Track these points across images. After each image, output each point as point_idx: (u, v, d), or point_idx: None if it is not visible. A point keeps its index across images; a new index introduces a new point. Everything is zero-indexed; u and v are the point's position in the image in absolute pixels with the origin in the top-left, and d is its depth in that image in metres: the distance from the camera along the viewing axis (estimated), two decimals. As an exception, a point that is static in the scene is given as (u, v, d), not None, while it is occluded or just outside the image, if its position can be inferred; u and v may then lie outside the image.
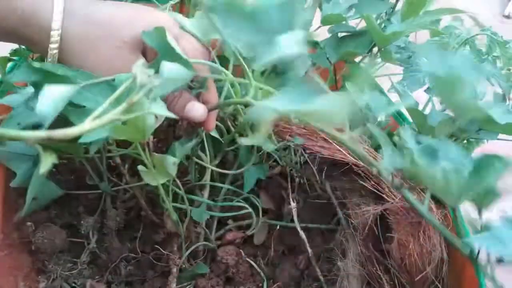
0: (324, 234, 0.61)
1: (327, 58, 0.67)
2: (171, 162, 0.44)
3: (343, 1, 0.69)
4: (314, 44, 0.72)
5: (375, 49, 0.70)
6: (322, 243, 0.60)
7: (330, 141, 0.54)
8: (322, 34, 0.72)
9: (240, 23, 0.31)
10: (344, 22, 0.66)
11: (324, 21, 0.64)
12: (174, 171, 0.45)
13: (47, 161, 0.28)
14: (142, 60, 0.29)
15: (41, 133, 0.23)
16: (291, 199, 0.59)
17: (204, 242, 0.57)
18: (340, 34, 0.70)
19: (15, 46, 0.54)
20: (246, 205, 0.58)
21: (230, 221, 0.61)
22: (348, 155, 0.53)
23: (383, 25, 0.70)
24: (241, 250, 0.59)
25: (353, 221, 0.54)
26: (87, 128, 0.24)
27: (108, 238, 0.59)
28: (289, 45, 0.29)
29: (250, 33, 0.31)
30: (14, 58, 0.56)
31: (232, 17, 0.31)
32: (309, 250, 0.56)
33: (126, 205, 0.60)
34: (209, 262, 0.58)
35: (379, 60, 0.71)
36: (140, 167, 0.44)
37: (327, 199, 0.59)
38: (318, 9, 0.67)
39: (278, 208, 0.63)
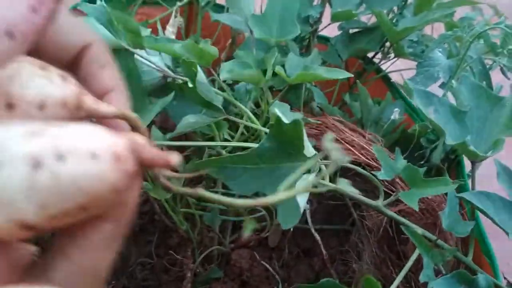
0: (339, 235, 0.60)
1: (339, 55, 0.66)
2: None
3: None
4: (325, 41, 0.71)
5: (387, 44, 0.69)
6: (337, 244, 0.59)
7: (342, 141, 0.54)
8: (332, 30, 0.71)
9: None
10: (355, 18, 0.65)
11: (335, 18, 0.63)
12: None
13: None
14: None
15: (250, 202, 0.22)
16: (304, 200, 0.58)
17: (218, 246, 0.57)
18: (351, 30, 0.69)
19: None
20: (260, 208, 0.58)
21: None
22: (360, 156, 0.52)
23: (395, 19, 0.69)
24: (255, 253, 0.58)
25: (367, 223, 0.53)
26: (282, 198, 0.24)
27: (124, 242, 0.59)
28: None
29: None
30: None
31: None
32: (324, 252, 0.56)
33: (140, 209, 0.60)
34: (223, 266, 0.58)
35: (391, 55, 0.70)
36: (144, 184, 0.44)
37: (341, 200, 0.58)
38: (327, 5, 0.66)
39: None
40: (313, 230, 0.56)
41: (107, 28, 0.43)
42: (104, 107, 0.24)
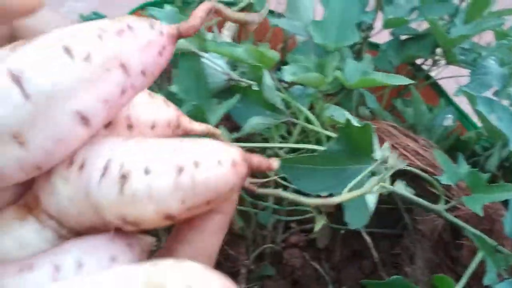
0: (390, 239, 0.61)
1: (389, 61, 0.66)
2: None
3: (404, 3, 0.68)
4: (374, 47, 0.72)
5: (438, 51, 0.69)
6: (388, 248, 0.60)
7: (397, 147, 0.54)
8: (380, 36, 0.72)
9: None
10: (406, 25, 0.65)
11: (387, 25, 0.64)
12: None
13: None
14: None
15: (318, 200, 0.28)
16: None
17: (270, 245, 0.58)
18: (402, 37, 0.70)
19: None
20: (310, 209, 0.59)
21: (293, 224, 0.62)
22: (415, 161, 0.53)
23: (446, 26, 0.69)
24: (305, 254, 0.60)
25: (420, 227, 0.53)
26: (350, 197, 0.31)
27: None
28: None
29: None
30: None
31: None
32: (375, 254, 0.57)
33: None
34: (275, 264, 0.59)
35: (442, 62, 0.70)
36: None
37: (392, 204, 0.59)
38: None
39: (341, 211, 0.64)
40: (364, 233, 0.57)
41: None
42: (196, 126, 0.30)
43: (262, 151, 0.52)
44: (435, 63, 0.70)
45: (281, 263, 0.58)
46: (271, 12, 0.72)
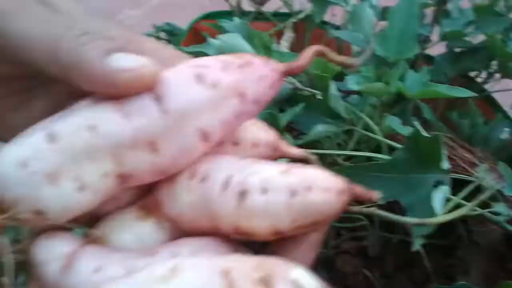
0: (442, 249, 0.61)
1: (444, 73, 0.67)
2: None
3: (458, 15, 0.69)
4: (428, 59, 0.72)
5: (493, 64, 0.69)
6: (440, 258, 0.60)
7: (454, 158, 0.55)
8: (435, 48, 0.72)
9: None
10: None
11: (444, 37, 0.65)
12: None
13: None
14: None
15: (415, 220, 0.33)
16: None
17: (323, 250, 0.59)
18: (457, 49, 0.70)
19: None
20: (362, 217, 0.60)
21: (344, 231, 0.64)
22: (473, 172, 0.54)
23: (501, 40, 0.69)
24: (356, 261, 0.61)
25: (476, 238, 0.54)
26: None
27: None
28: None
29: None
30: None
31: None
32: (427, 264, 0.57)
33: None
34: (327, 270, 0.60)
35: (497, 75, 0.70)
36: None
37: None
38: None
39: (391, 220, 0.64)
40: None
41: (248, 42, 0.47)
42: (294, 150, 0.33)
43: (321, 157, 0.54)
44: (490, 76, 0.70)
45: (333, 269, 0.59)
46: (325, 23, 0.74)
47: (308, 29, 0.71)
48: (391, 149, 0.52)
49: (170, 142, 0.26)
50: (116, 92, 0.25)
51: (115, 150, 0.25)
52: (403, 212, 0.60)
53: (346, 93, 0.58)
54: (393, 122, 0.57)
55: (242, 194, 0.26)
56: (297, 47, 0.78)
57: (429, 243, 0.61)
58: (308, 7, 0.74)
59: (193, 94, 0.26)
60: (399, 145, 0.48)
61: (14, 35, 0.25)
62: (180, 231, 0.28)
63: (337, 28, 0.67)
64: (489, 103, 0.71)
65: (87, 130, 0.25)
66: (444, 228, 0.61)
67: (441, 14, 0.68)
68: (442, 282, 0.58)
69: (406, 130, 0.55)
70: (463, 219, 0.57)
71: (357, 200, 0.29)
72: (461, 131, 0.63)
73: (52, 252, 0.26)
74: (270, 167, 0.27)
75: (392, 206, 0.61)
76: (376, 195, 0.27)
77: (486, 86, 0.72)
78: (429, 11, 0.69)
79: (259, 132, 0.32)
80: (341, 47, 0.72)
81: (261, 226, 0.26)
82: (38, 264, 0.26)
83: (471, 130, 0.60)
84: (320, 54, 0.29)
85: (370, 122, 0.49)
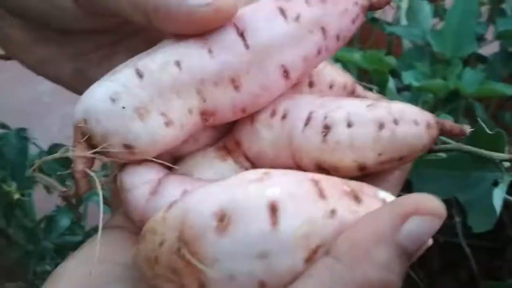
0: (491, 251, 0.60)
1: (498, 73, 0.66)
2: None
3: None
4: (481, 58, 0.71)
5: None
6: (486, 260, 0.60)
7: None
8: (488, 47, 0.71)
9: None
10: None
11: (498, 37, 0.64)
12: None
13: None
14: None
15: None
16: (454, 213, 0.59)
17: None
18: (510, 49, 0.69)
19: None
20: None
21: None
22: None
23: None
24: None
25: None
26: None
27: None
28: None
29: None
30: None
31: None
32: (474, 266, 0.56)
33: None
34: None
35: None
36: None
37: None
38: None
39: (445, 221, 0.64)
40: (463, 244, 0.57)
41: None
42: (370, 94, 0.33)
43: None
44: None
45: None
46: (375, 20, 0.74)
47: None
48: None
49: (252, 79, 0.26)
50: (196, 29, 0.26)
51: (199, 86, 0.26)
52: (460, 211, 0.59)
53: (399, 90, 0.58)
54: (447, 119, 0.56)
55: (327, 128, 0.26)
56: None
57: (475, 244, 0.61)
58: None
59: (276, 28, 0.26)
60: (453, 141, 0.47)
61: None
62: None
63: (389, 24, 0.66)
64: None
65: (173, 66, 0.25)
66: (493, 229, 0.61)
67: (496, 12, 0.67)
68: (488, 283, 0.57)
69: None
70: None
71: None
72: (513, 132, 0.62)
73: (141, 178, 0.26)
74: (354, 101, 0.27)
75: (448, 206, 0.61)
76: (467, 128, 0.27)
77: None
78: (485, 10, 0.68)
79: (335, 74, 0.31)
80: (391, 43, 0.72)
81: (345, 161, 0.25)
82: (127, 189, 0.26)
83: (525, 131, 0.59)
84: None
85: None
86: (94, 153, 0.25)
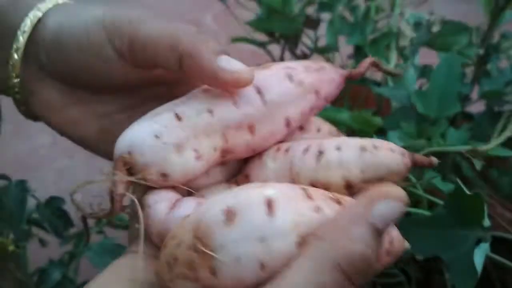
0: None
1: (484, 132, 0.68)
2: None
3: (498, 75, 0.71)
4: (468, 117, 0.73)
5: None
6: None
7: (494, 216, 0.55)
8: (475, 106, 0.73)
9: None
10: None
11: (483, 96, 0.66)
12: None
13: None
14: None
15: None
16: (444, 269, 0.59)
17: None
18: (496, 108, 0.71)
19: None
20: (399, 273, 0.60)
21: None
22: (513, 232, 0.53)
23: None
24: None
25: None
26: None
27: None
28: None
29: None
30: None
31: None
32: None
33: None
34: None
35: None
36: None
37: (485, 273, 0.58)
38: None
39: (428, 278, 0.64)
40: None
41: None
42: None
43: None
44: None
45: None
46: (365, 80, 0.77)
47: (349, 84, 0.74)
48: (431, 205, 0.53)
49: (264, 126, 0.33)
50: (217, 86, 0.32)
51: (224, 130, 0.32)
52: (441, 270, 0.59)
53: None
54: (434, 177, 0.58)
55: (320, 153, 0.32)
56: (335, 102, 0.81)
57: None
58: (349, 63, 0.76)
59: (286, 89, 0.34)
60: (439, 201, 0.48)
61: (142, 36, 0.32)
62: None
63: (377, 84, 0.69)
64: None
65: (206, 112, 0.32)
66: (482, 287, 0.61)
67: (481, 73, 0.70)
68: None
69: (447, 187, 0.56)
70: (501, 278, 0.57)
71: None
72: (501, 189, 0.63)
73: (162, 196, 0.31)
74: (342, 137, 0.34)
75: (430, 263, 0.61)
76: (435, 160, 0.33)
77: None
78: (469, 70, 0.71)
79: (321, 121, 0.39)
80: (381, 103, 0.74)
81: (335, 177, 0.31)
82: (148, 205, 0.31)
83: (511, 188, 0.60)
84: (374, 65, 0.37)
85: (411, 177, 0.50)
86: (134, 178, 0.30)
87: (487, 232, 0.40)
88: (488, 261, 0.45)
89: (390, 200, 0.24)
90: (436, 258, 0.41)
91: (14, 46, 0.34)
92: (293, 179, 0.32)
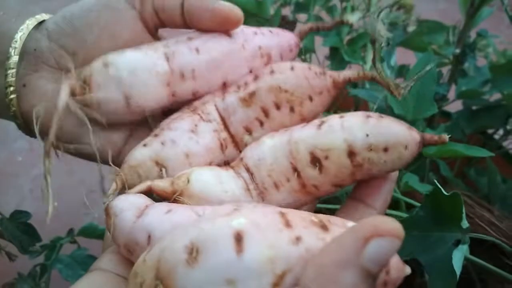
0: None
1: (462, 131, 0.68)
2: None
3: (475, 74, 0.71)
4: (446, 116, 0.73)
5: (511, 120, 0.70)
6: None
7: (472, 216, 0.55)
8: (453, 104, 0.74)
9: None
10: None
11: (460, 96, 0.66)
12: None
13: None
14: None
15: None
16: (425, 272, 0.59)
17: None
18: (474, 107, 0.71)
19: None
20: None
21: None
22: (490, 232, 0.53)
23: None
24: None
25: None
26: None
27: None
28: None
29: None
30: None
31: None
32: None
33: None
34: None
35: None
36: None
37: (466, 273, 0.58)
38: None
39: (410, 280, 0.63)
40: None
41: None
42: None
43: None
44: (507, 133, 0.70)
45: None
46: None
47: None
48: (409, 207, 0.52)
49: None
50: (217, 23, 0.37)
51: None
52: (421, 271, 0.59)
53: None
54: (411, 179, 0.57)
55: (322, 123, 0.31)
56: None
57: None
58: (326, 65, 0.76)
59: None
60: (417, 203, 0.48)
61: None
62: (258, 186, 0.32)
63: (355, 86, 0.69)
64: (507, 160, 0.71)
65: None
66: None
67: (458, 73, 0.70)
68: None
69: (424, 188, 0.55)
70: (482, 279, 0.56)
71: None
72: (479, 189, 0.63)
73: (129, 203, 0.30)
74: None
75: (410, 264, 0.61)
76: (446, 137, 0.32)
77: (504, 143, 0.72)
78: (446, 70, 0.71)
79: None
80: (358, 104, 0.74)
81: (337, 142, 0.30)
82: (115, 213, 0.30)
83: (489, 188, 0.60)
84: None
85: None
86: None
87: (466, 233, 0.39)
88: (468, 262, 0.45)
89: (384, 238, 0.20)
90: (416, 260, 0.40)
91: (13, 45, 0.36)
92: (291, 151, 0.31)
